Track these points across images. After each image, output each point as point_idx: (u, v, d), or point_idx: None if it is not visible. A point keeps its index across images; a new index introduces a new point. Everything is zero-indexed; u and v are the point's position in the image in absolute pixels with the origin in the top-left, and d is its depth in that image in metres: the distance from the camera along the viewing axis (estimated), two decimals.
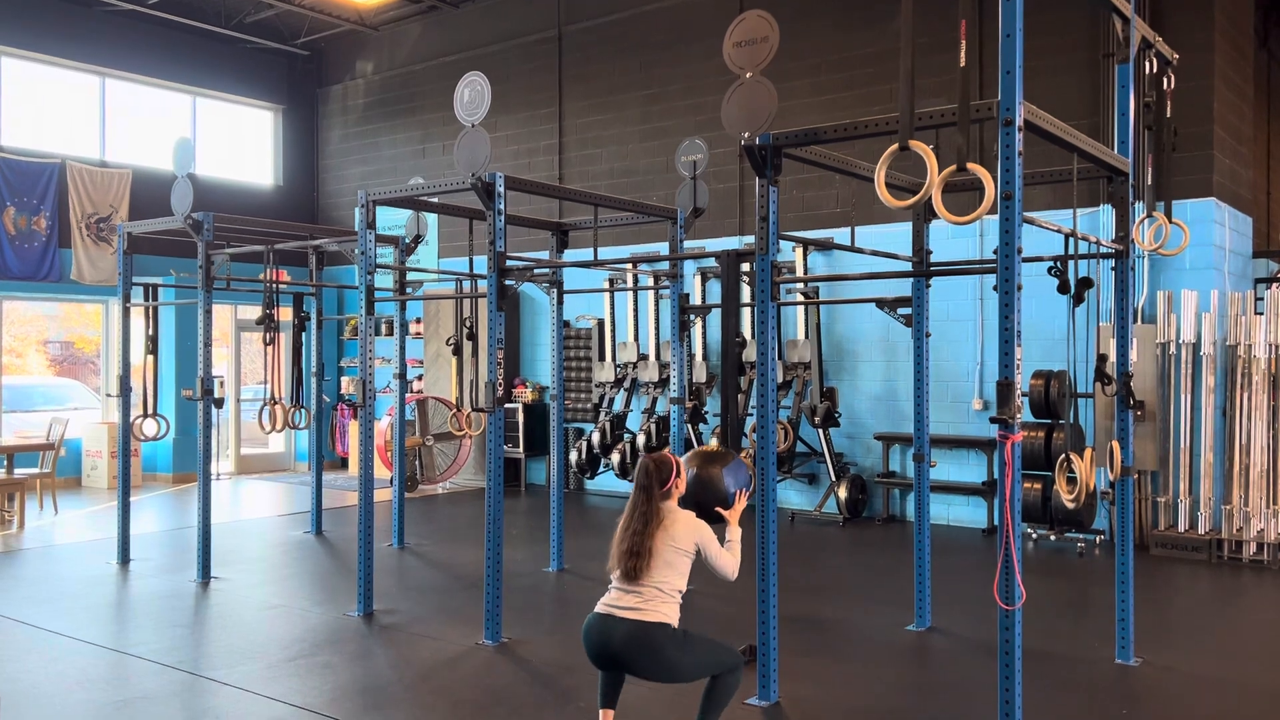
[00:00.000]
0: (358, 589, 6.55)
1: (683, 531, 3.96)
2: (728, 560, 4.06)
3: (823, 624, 6.37)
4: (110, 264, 12.61)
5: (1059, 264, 4.85)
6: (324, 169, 15.45)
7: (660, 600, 3.92)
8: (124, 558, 8.07)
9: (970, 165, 3.86)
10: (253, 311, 8.41)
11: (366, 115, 14.85)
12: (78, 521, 10.09)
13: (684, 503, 4.17)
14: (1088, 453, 4.92)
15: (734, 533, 4.19)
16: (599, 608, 4.00)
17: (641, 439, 11.01)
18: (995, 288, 4.07)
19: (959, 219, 3.93)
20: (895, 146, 3.97)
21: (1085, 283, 4.89)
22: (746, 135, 4.66)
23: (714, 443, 4.37)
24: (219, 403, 7.76)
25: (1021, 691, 4.07)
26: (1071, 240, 4.88)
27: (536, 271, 7.85)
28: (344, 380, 14.81)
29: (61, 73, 12.94)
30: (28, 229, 12.24)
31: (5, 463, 10.20)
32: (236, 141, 14.87)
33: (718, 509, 4.24)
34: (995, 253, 4.08)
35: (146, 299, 8.46)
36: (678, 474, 4.07)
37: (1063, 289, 4.85)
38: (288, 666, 5.45)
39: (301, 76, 15.40)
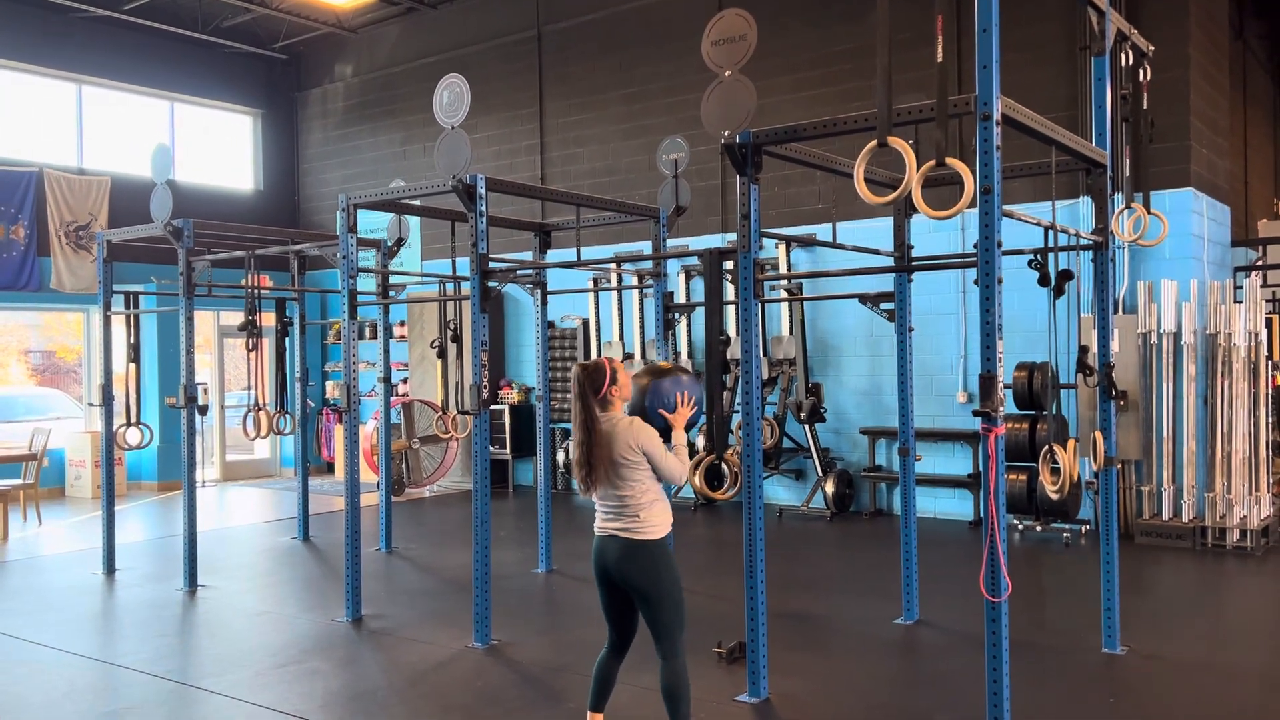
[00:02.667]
0: (345, 594, 6.53)
1: (622, 440, 3.94)
2: (673, 464, 3.99)
3: (811, 619, 6.39)
4: (90, 272, 12.52)
5: (1039, 257, 4.88)
6: (304, 173, 15.39)
7: (645, 512, 3.95)
8: (109, 567, 8.02)
9: (949, 160, 3.88)
10: (235, 317, 8.39)
11: (346, 118, 14.80)
12: (62, 532, 10.02)
13: (631, 414, 4.09)
14: (1071, 444, 4.95)
15: (678, 437, 4.08)
16: (596, 529, 4.09)
17: None
18: (976, 282, 4.09)
19: (939, 214, 3.95)
20: (874, 143, 3.98)
21: (1065, 275, 4.92)
22: (726, 134, 4.67)
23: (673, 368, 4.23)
24: (203, 410, 7.71)
25: (1009, 682, 4.09)
26: (1051, 233, 4.91)
27: (520, 273, 7.84)
28: (328, 385, 14.76)
29: (37, 80, 12.84)
30: (6, 238, 12.15)
31: None
32: (215, 147, 14.80)
33: (661, 412, 4.06)
34: (976, 247, 4.10)
35: (127, 307, 8.41)
36: (612, 380, 3.99)
37: (1043, 281, 4.88)
38: (276, 673, 5.43)
39: (280, 80, 15.33)
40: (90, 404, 13.02)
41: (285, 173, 15.40)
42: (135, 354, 8.42)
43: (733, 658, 5.39)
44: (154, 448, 12.73)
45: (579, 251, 7.64)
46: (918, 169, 3.88)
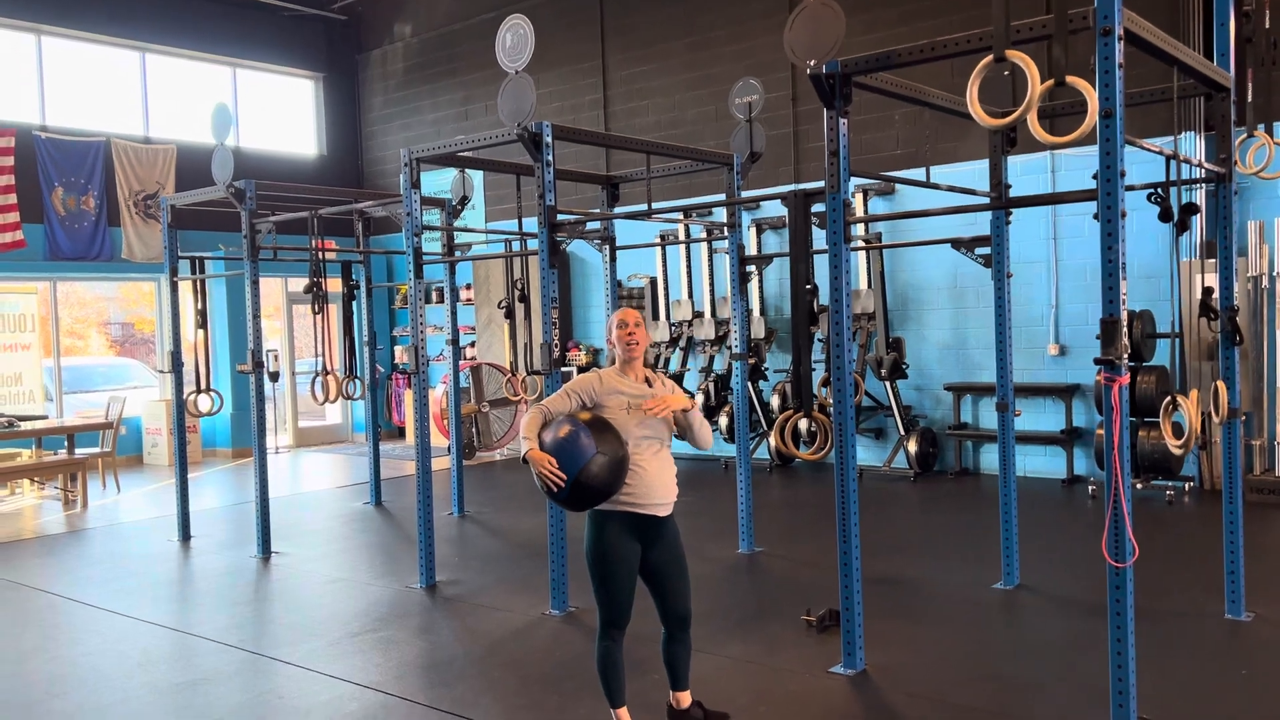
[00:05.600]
0: (419, 560, 6.38)
1: None
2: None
3: (904, 584, 6.06)
4: (159, 241, 12.53)
5: (1160, 190, 4.44)
6: (367, 136, 15.25)
7: None
8: (185, 535, 8.01)
9: (1070, 79, 3.47)
10: (303, 284, 8.31)
11: (407, 79, 14.59)
12: (139, 499, 10.09)
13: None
14: (1194, 394, 4.53)
15: (524, 446, 3.64)
16: None
17: (700, 399, 10.72)
18: (1096, 216, 3.69)
19: (1058, 139, 3.55)
20: (989, 59, 3.58)
21: (1190, 209, 4.48)
22: (812, 63, 4.30)
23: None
24: (274, 376, 7.61)
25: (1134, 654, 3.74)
26: (1173, 164, 4.46)
27: (588, 227, 7.56)
28: (397, 350, 14.70)
29: (102, 50, 12.84)
30: (77, 209, 12.21)
31: (67, 442, 10.23)
32: (278, 112, 14.71)
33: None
34: (1095, 178, 3.70)
35: (193, 272, 8.33)
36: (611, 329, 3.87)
37: (1164, 217, 4.44)
38: (350, 643, 5.29)
39: (340, 42, 15.16)
40: (160, 371, 13.12)
41: (348, 137, 15.27)
42: (203, 320, 8.36)
43: (823, 626, 5.10)
44: (227, 415, 12.80)
45: (649, 202, 7.31)
46: (1040, 84, 3.47)
